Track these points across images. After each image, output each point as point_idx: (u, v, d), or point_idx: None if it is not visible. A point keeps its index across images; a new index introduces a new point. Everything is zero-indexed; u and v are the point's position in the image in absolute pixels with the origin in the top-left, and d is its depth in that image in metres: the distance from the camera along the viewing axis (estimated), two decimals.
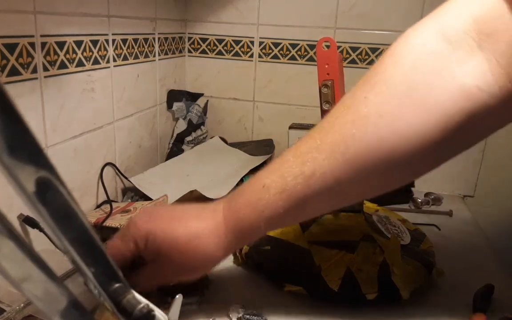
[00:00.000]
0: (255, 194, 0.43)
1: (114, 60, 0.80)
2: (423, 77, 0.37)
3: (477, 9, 0.37)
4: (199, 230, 0.45)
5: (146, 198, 0.79)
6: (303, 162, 0.41)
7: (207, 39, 1.09)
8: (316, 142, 0.41)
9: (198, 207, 0.47)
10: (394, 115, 0.38)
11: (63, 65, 0.66)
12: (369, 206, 0.76)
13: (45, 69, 0.62)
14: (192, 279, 0.47)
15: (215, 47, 1.09)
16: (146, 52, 0.92)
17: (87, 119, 0.73)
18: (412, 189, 0.94)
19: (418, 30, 0.40)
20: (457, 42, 0.37)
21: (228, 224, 0.45)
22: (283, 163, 0.43)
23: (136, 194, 0.84)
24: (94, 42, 0.73)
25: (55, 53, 0.64)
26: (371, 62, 1.00)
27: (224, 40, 1.08)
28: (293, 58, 1.05)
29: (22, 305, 0.46)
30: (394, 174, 0.41)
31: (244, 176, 0.88)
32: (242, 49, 1.07)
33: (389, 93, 0.38)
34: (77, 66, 0.69)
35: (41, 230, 0.57)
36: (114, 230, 0.66)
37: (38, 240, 0.56)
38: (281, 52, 1.05)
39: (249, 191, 0.45)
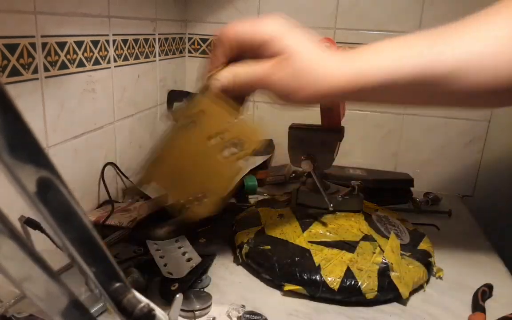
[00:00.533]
0: (382, 52, 0.45)
1: (115, 61, 0.80)
2: None
3: None
4: (320, 54, 0.44)
5: (147, 198, 0.80)
6: (435, 43, 0.41)
7: (207, 39, 1.10)
8: (445, 31, 0.42)
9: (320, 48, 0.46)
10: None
11: (63, 66, 0.66)
12: (368, 206, 0.76)
13: (46, 69, 0.62)
14: (291, 96, 0.44)
15: None
16: (147, 52, 0.92)
17: (88, 119, 0.73)
18: (412, 189, 0.94)
19: None
20: None
21: (351, 64, 0.44)
22: (406, 41, 0.43)
23: (136, 194, 0.84)
24: (95, 43, 0.73)
25: (56, 53, 0.64)
26: None
27: None
28: None
29: (12, 301, 0.46)
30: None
31: (244, 176, 0.88)
32: None
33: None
34: (77, 66, 0.69)
35: (42, 231, 0.57)
36: (114, 228, 0.67)
37: (39, 242, 0.56)
38: None
39: (377, 46, 0.46)
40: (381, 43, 0.45)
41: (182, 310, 0.31)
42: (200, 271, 0.58)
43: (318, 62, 0.43)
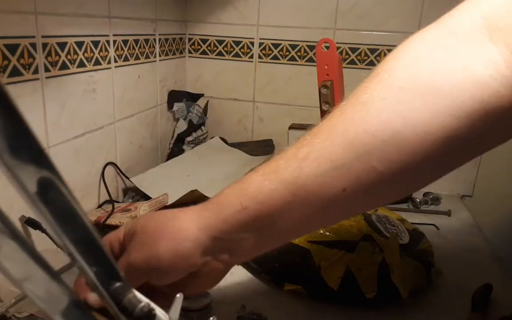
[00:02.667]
0: (239, 183, 0.39)
1: (115, 61, 0.80)
2: (428, 65, 0.35)
3: (486, 8, 0.35)
4: (176, 219, 0.39)
5: (147, 198, 0.80)
6: (297, 148, 0.37)
7: (208, 40, 1.10)
8: (312, 131, 0.38)
9: (181, 215, 0.41)
10: (397, 99, 0.34)
11: (64, 66, 0.66)
12: None
13: (46, 69, 0.62)
14: (163, 282, 0.39)
15: (215, 48, 1.10)
16: (147, 53, 0.92)
17: (88, 120, 0.74)
18: None
19: (422, 32, 0.38)
20: (466, 36, 0.35)
21: (209, 215, 0.38)
22: (280, 157, 0.38)
23: (137, 194, 0.84)
24: (95, 43, 0.73)
25: (56, 53, 0.64)
26: (370, 63, 1.01)
27: (224, 41, 1.08)
28: (292, 59, 1.05)
29: (13, 300, 0.47)
30: (399, 163, 0.35)
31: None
32: (242, 50, 1.08)
33: (391, 81, 0.36)
34: (78, 66, 0.69)
35: (43, 231, 0.57)
36: (114, 228, 0.67)
37: (40, 242, 0.57)
38: (281, 53, 1.06)
39: (234, 184, 0.40)
40: (247, 177, 0.39)
41: (182, 309, 0.31)
42: None
43: (169, 226, 0.39)
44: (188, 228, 0.38)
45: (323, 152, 0.35)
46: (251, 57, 1.08)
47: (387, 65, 0.37)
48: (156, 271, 0.38)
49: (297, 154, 0.36)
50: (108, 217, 0.69)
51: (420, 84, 0.34)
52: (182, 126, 1.07)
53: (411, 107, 0.34)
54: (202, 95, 1.14)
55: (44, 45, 0.61)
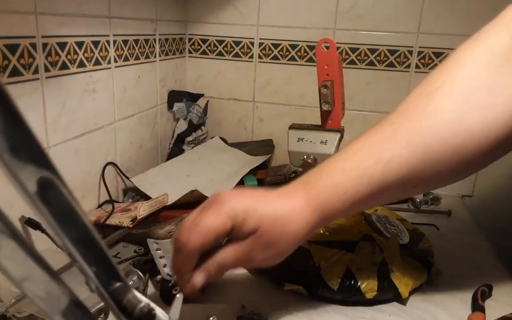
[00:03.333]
0: (336, 177, 0.44)
1: (115, 61, 0.80)
2: (482, 84, 0.42)
3: None
4: (285, 209, 0.44)
5: (147, 198, 0.80)
6: (380, 150, 0.43)
7: (208, 40, 1.10)
8: (391, 133, 0.44)
9: (279, 190, 0.47)
10: (461, 113, 0.42)
11: (64, 66, 0.66)
12: None
13: (46, 69, 0.62)
14: (273, 263, 0.46)
15: (215, 48, 1.10)
16: (147, 53, 0.92)
17: (88, 120, 0.74)
18: None
19: (467, 48, 0.45)
20: (506, 55, 0.42)
21: (313, 204, 0.44)
22: (359, 150, 0.45)
23: (137, 194, 0.84)
24: (95, 43, 0.73)
25: (56, 54, 0.64)
26: (370, 63, 1.01)
27: (224, 41, 1.08)
28: (292, 59, 1.05)
29: (13, 300, 0.47)
30: (460, 167, 0.44)
31: (244, 176, 0.88)
32: (242, 50, 1.08)
33: (453, 95, 0.43)
34: (78, 66, 0.69)
35: (43, 231, 0.57)
36: (114, 228, 0.67)
37: (40, 242, 0.57)
38: (281, 53, 1.06)
39: (330, 174, 0.45)
40: (330, 163, 0.46)
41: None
42: None
43: (287, 219, 0.44)
44: (302, 235, 0.45)
45: (403, 159, 0.43)
46: (251, 57, 1.08)
47: (445, 78, 0.44)
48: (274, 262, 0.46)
49: (381, 157, 0.43)
50: (108, 217, 0.69)
51: (478, 101, 0.42)
52: (182, 126, 1.07)
53: (472, 122, 0.42)
54: (202, 95, 1.14)
55: (44, 45, 0.61)
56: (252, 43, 1.07)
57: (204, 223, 0.43)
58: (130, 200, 0.83)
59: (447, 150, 0.42)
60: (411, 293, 0.57)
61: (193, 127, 1.08)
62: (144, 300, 0.29)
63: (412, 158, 0.42)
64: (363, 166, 0.43)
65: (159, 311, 0.30)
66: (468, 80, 0.43)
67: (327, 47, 0.72)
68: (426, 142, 0.42)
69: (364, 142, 0.45)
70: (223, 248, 0.45)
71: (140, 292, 0.29)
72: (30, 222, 0.57)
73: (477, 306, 0.56)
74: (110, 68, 0.79)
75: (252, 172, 0.92)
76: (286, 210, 0.44)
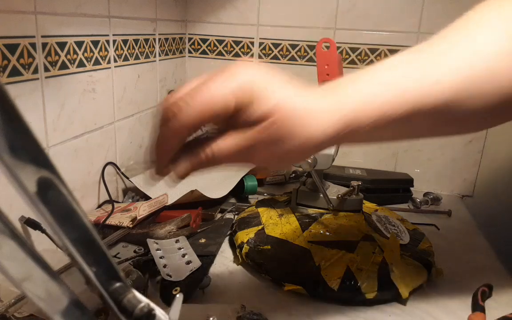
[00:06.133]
0: (373, 88, 0.38)
1: (115, 61, 0.80)
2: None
3: None
4: (312, 104, 0.36)
5: (147, 198, 0.80)
6: (426, 68, 0.38)
7: (208, 39, 1.10)
8: (439, 54, 0.39)
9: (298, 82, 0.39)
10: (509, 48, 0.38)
11: (64, 66, 0.66)
12: (368, 205, 0.76)
13: (46, 69, 0.62)
14: (274, 168, 0.38)
15: (215, 48, 1.10)
16: (147, 52, 0.92)
17: (88, 120, 0.74)
18: (411, 189, 0.94)
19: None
20: None
21: (341, 112, 0.37)
22: (402, 62, 0.39)
23: (137, 194, 0.84)
24: (95, 43, 0.73)
25: (56, 53, 0.64)
26: (370, 63, 1.01)
27: (224, 40, 1.08)
28: (293, 58, 1.05)
29: (12, 300, 0.46)
30: (500, 109, 0.40)
31: (244, 176, 0.88)
32: (242, 49, 1.08)
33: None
34: (78, 66, 0.69)
35: (43, 231, 0.57)
36: (114, 228, 0.67)
37: (39, 242, 0.57)
38: (281, 52, 1.06)
39: (366, 84, 0.38)
40: (366, 72, 0.39)
41: None
42: (200, 276, 0.58)
43: (308, 114, 0.36)
44: (322, 138, 0.37)
45: (449, 83, 0.37)
46: (251, 57, 1.08)
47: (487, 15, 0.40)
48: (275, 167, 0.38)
49: (427, 75, 0.38)
50: (108, 217, 0.69)
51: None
52: None
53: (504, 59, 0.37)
54: None
55: (44, 45, 0.61)
56: (252, 43, 1.07)
57: (205, 95, 0.34)
58: (130, 200, 0.83)
59: (494, 83, 0.37)
60: (411, 293, 0.57)
61: None
62: (144, 300, 0.29)
63: (459, 84, 0.37)
64: (406, 82, 0.37)
65: (159, 311, 0.30)
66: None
67: (327, 47, 0.72)
68: (476, 69, 0.37)
69: (408, 56, 0.39)
70: (222, 135, 0.36)
71: (140, 292, 0.29)
72: (30, 222, 0.57)
73: (477, 306, 0.56)
74: (110, 68, 0.79)
75: (252, 172, 0.92)
76: (312, 105, 0.36)
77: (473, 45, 0.38)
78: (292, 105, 0.35)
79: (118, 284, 0.28)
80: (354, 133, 0.38)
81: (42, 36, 0.61)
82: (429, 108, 0.37)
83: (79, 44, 0.69)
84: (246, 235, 0.66)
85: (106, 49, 0.77)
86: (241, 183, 0.87)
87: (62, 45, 0.65)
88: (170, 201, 0.75)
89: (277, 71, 0.37)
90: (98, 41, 0.74)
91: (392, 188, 0.92)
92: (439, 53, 0.39)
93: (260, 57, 1.07)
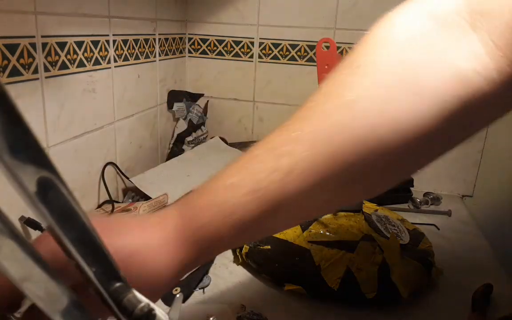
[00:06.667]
0: (219, 195, 0.34)
1: (115, 61, 0.80)
2: (412, 58, 0.33)
3: None
4: (141, 243, 0.32)
5: (147, 198, 0.80)
6: (278, 156, 0.33)
7: (208, 39, 1.10)
8: (292, 133, 0.34)
9: (143, 216, 0.36)
10: (384, 100, 0.32)
11: (64, 66, 0.66)
12: (368, 205, 0.76)
13: (46, 69, 0.62)
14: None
15: (215, 48, 1.10)
16: (147, 52, 0.92)
17: (88, 120, 0.74)
18: (411, 189, 0.94)
19: (402, 11, 0.35)
20: (448, 22, 0.33)
21: (184, 233, 0.34)
22: (253, 158, 0.35)
23: (137, 194, 0.84)
24: (95, 43, 0.73)
25: (56, 53, 0.64)
26: None
27: (224, 40, 1.08)
28: (293, 58, 1.05)
29: None
30: (385, 171, 0.35)
31: None
32: (242, 49, 1.08)
33: (377, 76, 0.33)
34: (78, 66, 0.69)
35: (42, 231, 0.57)
36: None
37: None
38: (281, 52, 1.06)
39: (211, 192, 0.35)
40: (219, 179, 0.35)
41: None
42: (199, 277, 0.58)
43: (144, 259, 0.32)
44: (167, 275, 0.33)
45: (308, 165, 0.33)
46: (251, 57, 1.08)
47: (369, 54, 0.35)
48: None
49: (278, 165, 0.33)
50: None
51: (407, 81, 0.32)
52: (182, 126, 1.07)
53: (399, 107, 0.32)
54: (202, 95, 1.14)
55: (44, 45, 0.61)
56: (252, 43, 1.07)
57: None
58: (130, 200, 0.83)
59: (365, 148, 0.32)
60: (411, 293, 0.57)
61: (193, 127, 1.08)
62: (144, 300, 0.29)
63: (319, 165, 0.32)
64: (256, 179, 0.33)
65: (159, 311, 0.30)
66: (395, 54, 0.34)
67: (327, 47, 0.72)
68: (335, 141, 0.32)
69: (261, 147, 0.35)
70: None
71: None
72: (30, 222, 0.57)
73: (477, 306, 0.56)
74: (110, 68, 0.79)
75: None
76: (146, 243, 0.33)
77: (333, 114, 0.33)
78: (125, 251, 0.31)
79: (118, 284, 0.28)
80: (214, 248, 0.35)
81: (42, 36, 0.61)
82: (293, 197, 0.33)
83: (79, 44, 0.69)
84: None
85: (106, 49, 0.77)
86: None
87: (62, 45, 0.65)
88: (170, 201, 0.75)
89: (106, 220, 0.34)
90: (98, 41, 0.74)
91: (392, 188, 0.92)
92: (294, 131, 0.35)
93: (260, 57, 1.07)
